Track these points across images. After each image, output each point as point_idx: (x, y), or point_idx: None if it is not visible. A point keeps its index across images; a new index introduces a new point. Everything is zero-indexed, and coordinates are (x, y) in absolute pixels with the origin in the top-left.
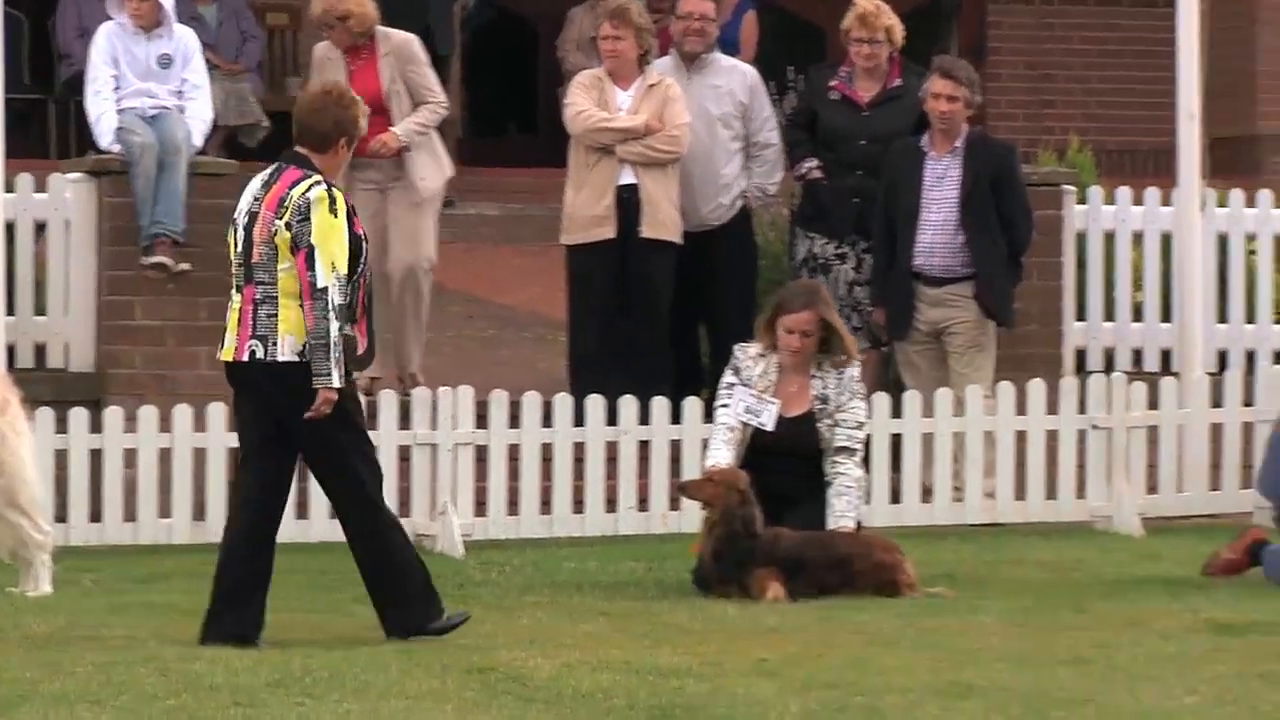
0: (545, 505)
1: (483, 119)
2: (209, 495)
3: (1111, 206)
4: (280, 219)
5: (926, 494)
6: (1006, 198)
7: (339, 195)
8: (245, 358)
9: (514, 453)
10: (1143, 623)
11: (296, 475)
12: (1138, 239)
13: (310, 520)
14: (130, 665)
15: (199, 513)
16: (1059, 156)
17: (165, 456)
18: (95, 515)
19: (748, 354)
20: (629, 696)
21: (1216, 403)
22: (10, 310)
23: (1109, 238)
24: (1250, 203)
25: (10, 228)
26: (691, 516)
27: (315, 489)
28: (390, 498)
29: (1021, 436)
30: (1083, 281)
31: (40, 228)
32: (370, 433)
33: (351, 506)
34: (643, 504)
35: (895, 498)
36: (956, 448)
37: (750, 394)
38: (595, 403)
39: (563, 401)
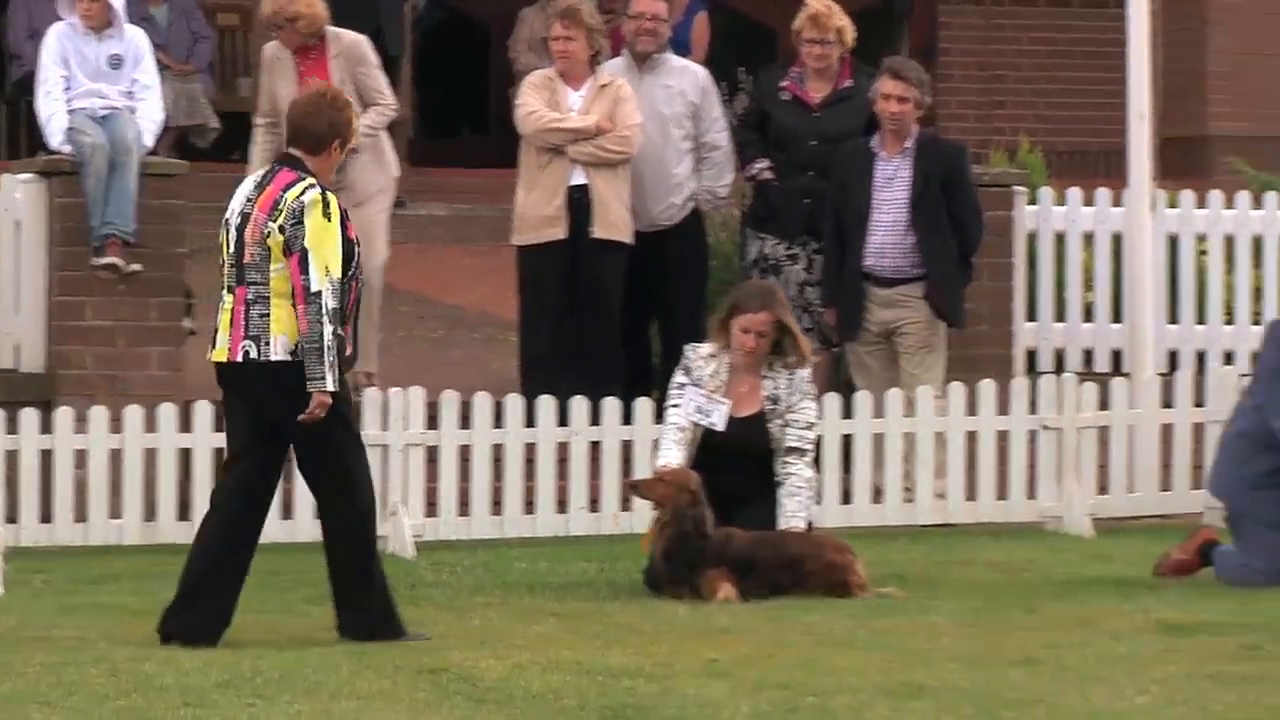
0: (496, 506)
1: (434, 120)
2: (160, 496)
3: (1062, 207)
4: (274, 221)
5: (877, 494)
6: (957, 198)
7: (333, 199)
8: (239, 358)
9: (465, 453)
10: (1093, 623)
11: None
12: (1088, 240)
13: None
14: (81, 666)
15: (150, 514)
16: (1010, 157)
17: (116, 457)
18: (46, 516)
19: (699, 354)
20: (580, 697)
21: (1167, 403)
22: None
23: (1060, 238)
24: (1201, 203)
25: None
26: (643, 517)
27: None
28: None
29: (972, 437)
30: (1033, 282)
31: None
32: None
33: (340, 507)
34: (594, 505)
35: (846, 498)
36: (907, 448)
37: (701, 394)
38: (546, 403)
39: (514, 402)
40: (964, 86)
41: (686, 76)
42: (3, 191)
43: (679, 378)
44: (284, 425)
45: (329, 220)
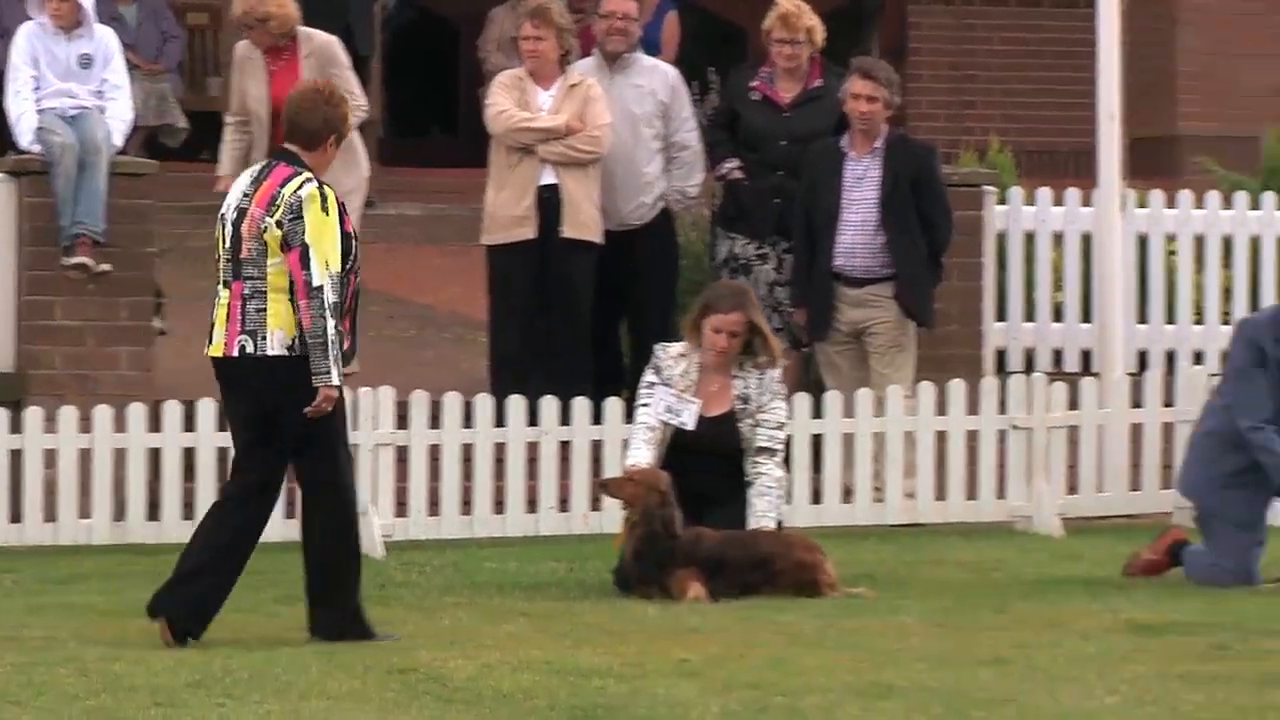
0: (466, 506)
1: (404, 119)
2: (129, 496)
3: (1032, 207)
4: (271, 216)
5: (847, 494)
6: (926, 198)
7: (330, 193)
8: (235, 353)
9: (435, 453)
10: (1063, 623)
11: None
12: (1058, 239)
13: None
14: (50, 666)
15: (119, 513)
16: (979, 157)
17: (85, 457)
18: (15, 516)
19: (669, 353)
20: (550, 697)
21: (1136, 403)
22: None
23: (1029, 238)
24: (1170, 203)
25: None
26: (613, 517)
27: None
28: None
29: (942, 437)
30: (1003, 282)
31: None
32: None
33: (328, 506)
34: (564, 504)
35: (816, 498)
36: (877, 448)
37: (671, 393)
38: (516, 403)
39: (483, 402)
40: (934, 86)
41: (657, 76)
42: None
43: (649, 377)
44: (281, 419)
45: (327, 214)
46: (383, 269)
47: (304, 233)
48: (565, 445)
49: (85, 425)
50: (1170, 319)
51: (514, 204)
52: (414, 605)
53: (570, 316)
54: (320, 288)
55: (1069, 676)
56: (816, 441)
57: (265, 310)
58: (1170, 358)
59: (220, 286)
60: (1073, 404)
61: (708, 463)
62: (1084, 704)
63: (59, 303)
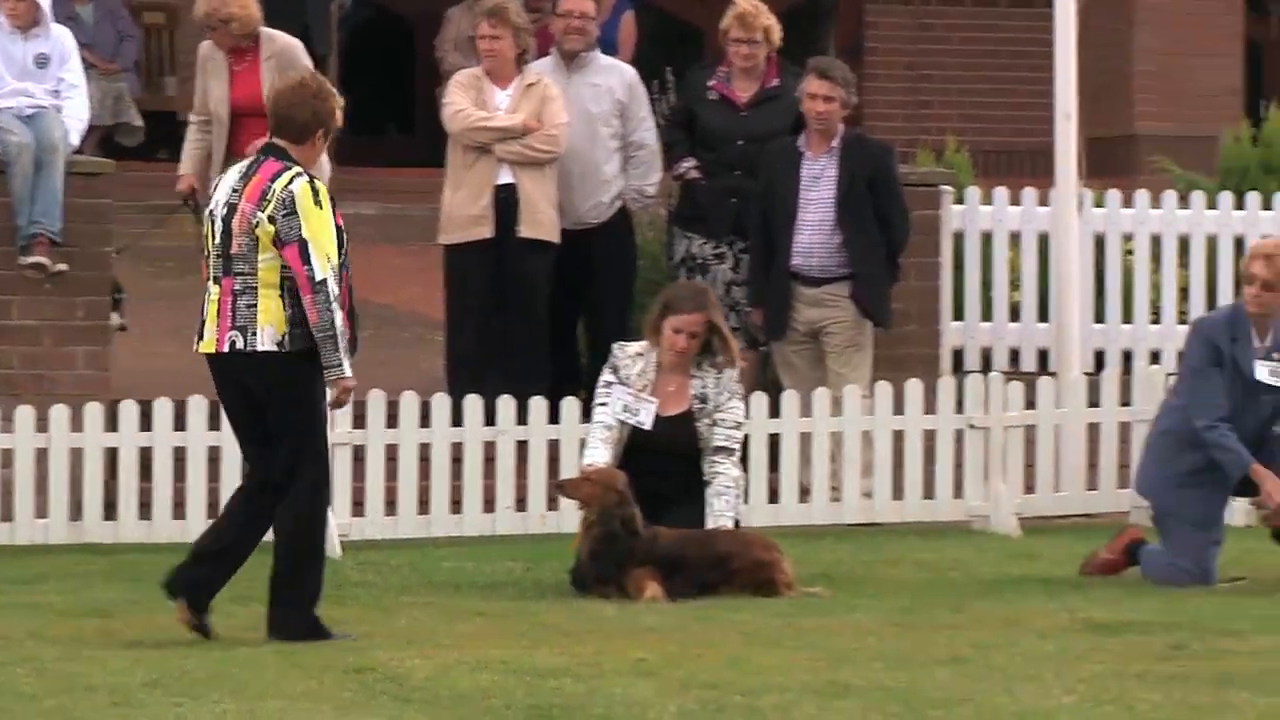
0: (423, 505)
1: (361, 118)
2: (86, 495)
3: (989, 207)
4: (263, 211)
5: (804, 494)
6: (884, 198)
7: (321, 186)
8: (225, 349)
9: (391, 453)
10: (1020, 622)
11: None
12: (1015, 239)
13: (188, 520)
14: (7, 666)
15: (75, 513)
16: (936, 157)
17: (42, 456)
18: None
19: (626, 353)
20: (506, 697)
21: (1093, 403)
22: None
23: (986, 238)
24: (1127, 203)
25: None
26: (570, 517)
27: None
28: None
29: (899, 436)
30: (960, 281)
31: None
32: None
33: (302, 505)
34: (520, 504)
35: (773, 497)
36: (834, 447)
37: (628, 393)
38: (473, 403)
39: (440, 401)
40: (891, 86)
41: (614, 75)
42: None
43: (606, 376)
44: (271, 415)
45: (320, 208)
46: None
47: (300, 228)
48: (522, 445)
49: (42, 425)
50: (1127, 318)
51: (471, 203)
52: (371, 605)
53: (527, 316)
54: (324, 281)
55: (1026, 676)
56: (774, 441)
57: (256, 306)
58: (1127, 357)
59: (210, 283)
60: (1030, 403)
61: (665, 462)
62: (1041, 703)
63: (15, 302)
